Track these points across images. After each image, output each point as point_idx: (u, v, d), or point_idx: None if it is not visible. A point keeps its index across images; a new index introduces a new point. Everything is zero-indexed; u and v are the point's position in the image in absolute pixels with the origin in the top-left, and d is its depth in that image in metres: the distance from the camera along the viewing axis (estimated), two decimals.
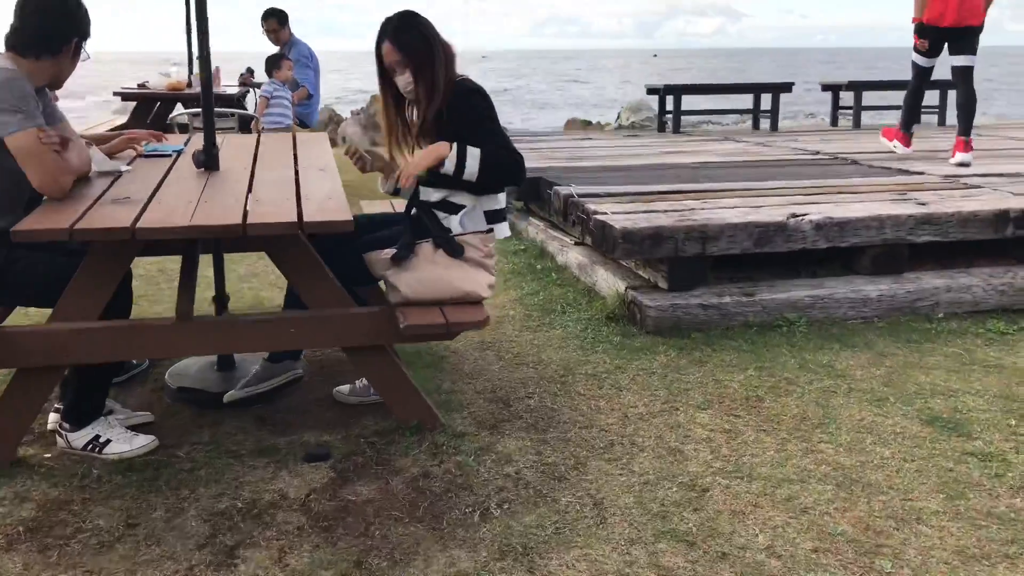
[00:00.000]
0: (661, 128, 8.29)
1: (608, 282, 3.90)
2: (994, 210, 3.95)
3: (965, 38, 5.50)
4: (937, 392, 3.01)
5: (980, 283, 3.82)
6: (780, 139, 7.23)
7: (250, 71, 7.63)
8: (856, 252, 3.90)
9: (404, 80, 2.67)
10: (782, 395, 2.98)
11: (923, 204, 4.06)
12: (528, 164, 5.57)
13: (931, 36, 5.53)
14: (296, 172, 2.82)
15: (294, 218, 2.19)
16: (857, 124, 8.39)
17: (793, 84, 8.35)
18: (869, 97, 8.47)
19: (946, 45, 5.57)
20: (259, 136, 3.93)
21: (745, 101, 8.54)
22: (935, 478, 2.44)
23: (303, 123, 6.68)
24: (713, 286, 3.72)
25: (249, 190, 2.53)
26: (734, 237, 3.68)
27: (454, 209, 2.63)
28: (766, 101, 8.24)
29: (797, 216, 3.80)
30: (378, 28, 2.72)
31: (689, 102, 8.33)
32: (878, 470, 2.48)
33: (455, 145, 2.51)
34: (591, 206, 4.02)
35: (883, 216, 3.83)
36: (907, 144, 5.99)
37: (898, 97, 8.59)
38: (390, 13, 2.73)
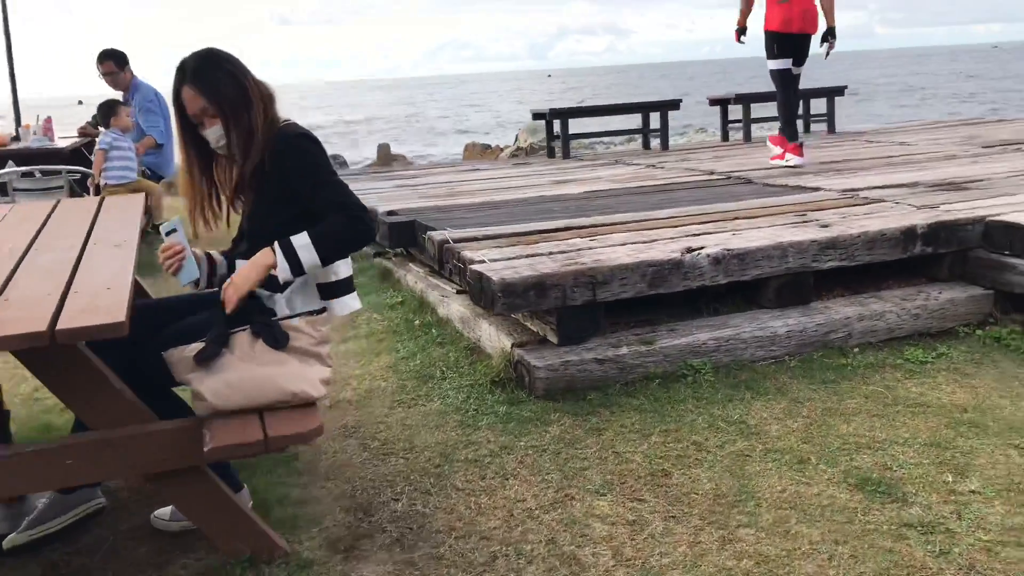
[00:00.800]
0: (551, 154, 7.96)
1: (493, 339, 3.47)
2: (900, 227, 3.70)
3: (803, 48, 5.88)
4: (862, 445, 2.68)
5: (893, 308, 3.55)
6: (672, 159, 6.99)
7: (95, 120, 6.95)
8: (759, 284, 3.58)
9: (214, 133, 2.19)
10: (691, 465, 2.59)
11: (826, 226, 3.78)
12: (404, 204, 5.14)
13: (781, 41, 5.83)
14: (82, 251, 2.28)
15: (43, 326, 1.66)
16: (748, 138, 8.26)
17: (681, 101, 8.16)
18: (758, 109, 8.36)
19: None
20: (101, 198, 3.34)
21: (635, 120, 8.30)
22: (874, 564, 2.07)
23: (156, 174, 6.05)
24: (609, 335, 3.33)
25: (7, 282, 1.98)
26: (626, 279, 3.30)
27: (278, 286, 2.14)
28: (656, 119, 8.01)
29: (693, 250, 3.45)
30: (175, 72, 2.23)
31: (580, 124, 8.05)
32: (808, 559, 2.11)
33: (277, 247, 2.05)
34: (468, 253, 3.58)
35: (785, 244, 3.52)
36: (799, 153, 5.98)
37: (770, 108, 8.44)
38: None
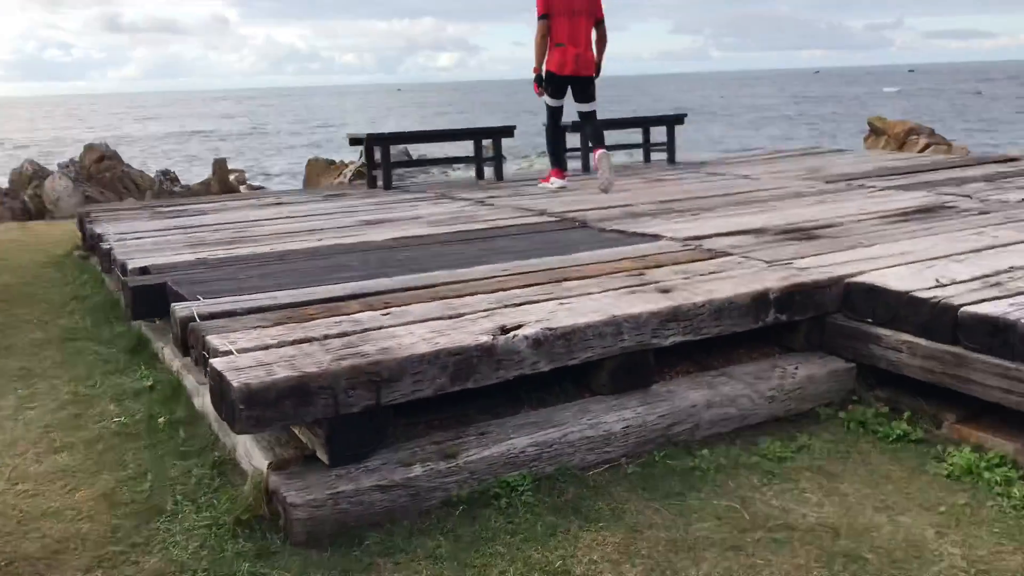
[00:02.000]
0: (371, 184, 7.16)
1: (247, 452, 2.64)
2: (751, 294, 3.16)
3: (587, 88, 6.53)
4: None
5: (746, 391, 2.99)
6: (504, 193, 6.37)
7: None
8: (590, 367, 2.94)
9: None
10: None
11: (667, 291, 3.19)
12: (166, 257, 4.19)
13: (556, 82, 6.50)
14: None
15: None
16: (586, 167, 7.77)
17: (515, 127, 7.57)
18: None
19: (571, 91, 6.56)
20: None
21: (467, 147, 7.65)
22: None
23: None
24: (400, 446, 2.58)
25: None
26: (422, 374, 2.56)
27: None
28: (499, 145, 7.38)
29: (508, 330, 2.76)
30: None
31: (415, 149, 7.31)
32: None
33: None
34: (214, 339, 2.73)
35: (620, 318, 2.89)
36: (560, 176, 6.65)
37: (614, 136, 8.03)
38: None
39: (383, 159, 6.84)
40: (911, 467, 2.74)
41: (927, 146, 27.53)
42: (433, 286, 3.38)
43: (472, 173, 7.67)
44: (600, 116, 6.72)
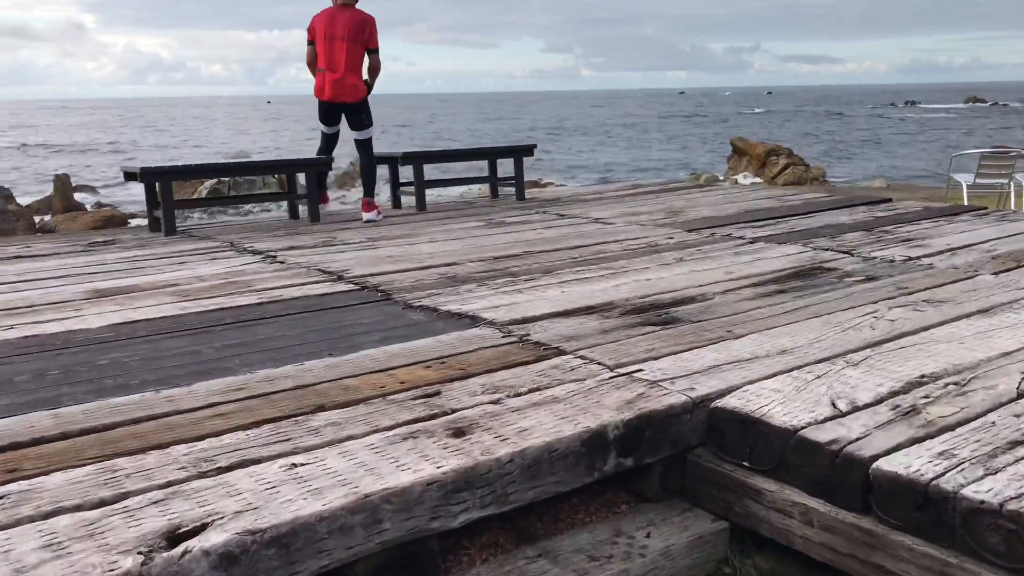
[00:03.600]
0: (153, 227, 5.90)
1: None
2: (582, 433, 2.20)
3: (352, 114, 6.43)
4: None
5: None
6: (312, 240, 5.25)
7: None
8: (344, 570, 1.90)
9: None
10: None
11: (461, 434, 2.20)
12: None
13: (320, 108, 6.48)
14: None
15: None
16: (422, 205, 6.76)
17: (332, 160, 6.48)
18: (432, 170, 6.92)
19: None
20: None
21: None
22: None
23: None
24: None
25: None
26: None
27: None
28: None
29: (179, 538, 1.68)
30: None
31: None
32: None
33: None
34: None
35: (376, 500, 1.87)
36: (366, 209, 6.32)
37: (465, 167, 7.08)
38: None
39: (163, 198, 5.60)
40: None
41: (786, 167, 28.05)
42: (110, 428, 2.25)
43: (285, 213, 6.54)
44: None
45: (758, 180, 24.99)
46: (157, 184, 5.61)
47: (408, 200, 6.98)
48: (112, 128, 63.02)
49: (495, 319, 3.29)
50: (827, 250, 4.67)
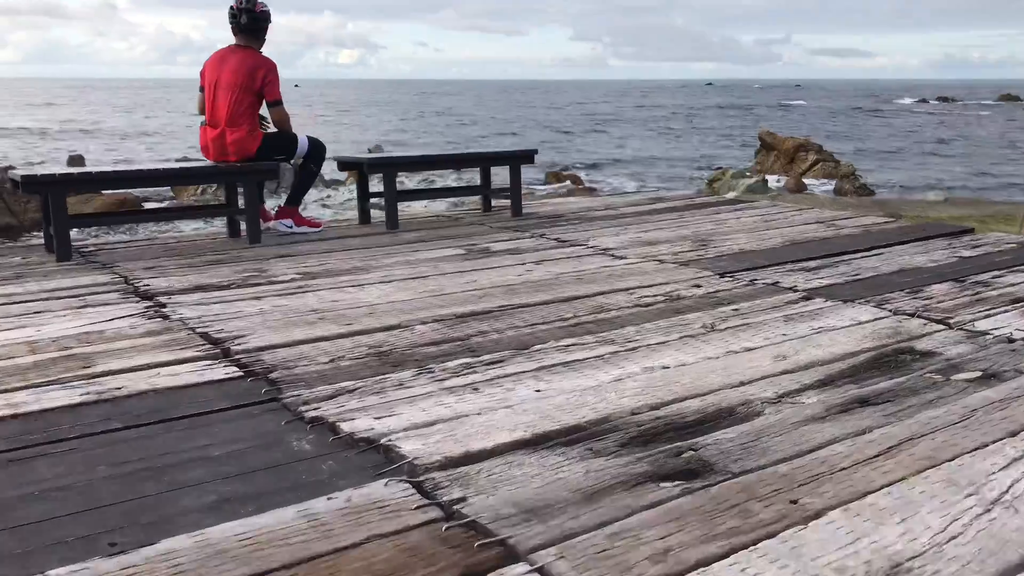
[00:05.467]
0: (48, 248, 4.73)
1: None
2: None
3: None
4: None
5: None
6: (223, 282, 4.05)
7: None
8: None
9: None
10: None
11: None
12: None
13: None
14: None
15: None
16: (392, 223, 5.55)
17: (275, 167, 5.29)
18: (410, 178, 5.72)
19: None
20: None
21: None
22: None
23: None
24: None
25: None
26: None
27: None
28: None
29: None
30: None
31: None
32: None
33: None
34: None
35: None
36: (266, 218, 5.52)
37: (446, 177, 5.89)
38: None
39: (53, 214, 4.42)
40: None
41: (815, 163, 26.57)
42: None
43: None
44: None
45: (785, 177, 23.60)
46: (49, 196, 4.44)
47: (380, 215, 5.78)
48: (139, 107, 62.20)
49: (419, 457, 2.08)
50: (912, 316, 3.41)
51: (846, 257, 4.61)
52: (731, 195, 10.39)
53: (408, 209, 6.64)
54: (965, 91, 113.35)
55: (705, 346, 3.02)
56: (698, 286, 3.94)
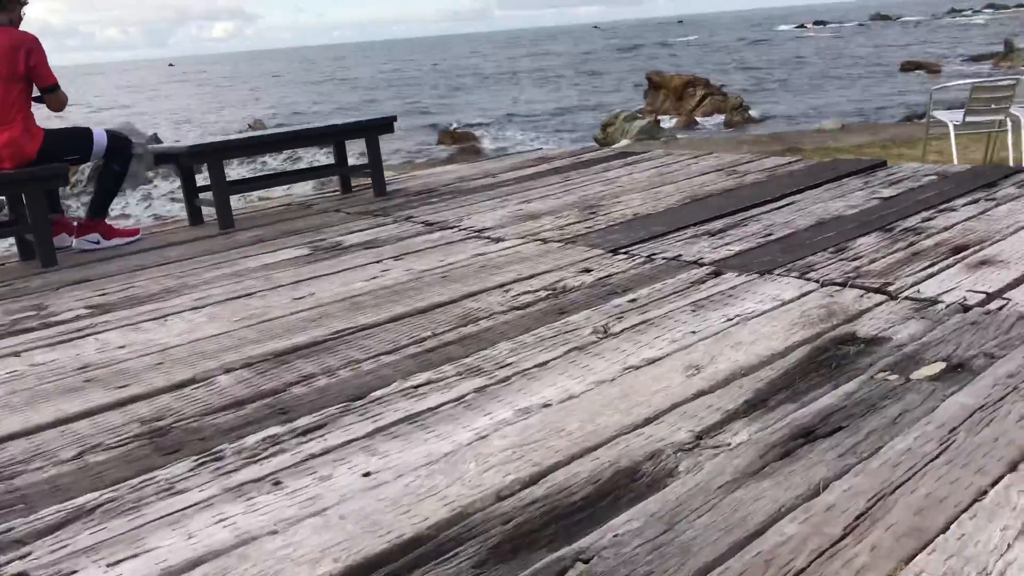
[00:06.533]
0: None
1: None
2: None
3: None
4: None
5: None
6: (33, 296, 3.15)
7: None
8: None
9: None
10: None
11: None
12: None
13: None
14: None
15: None
16: (226, 221, 4.67)
17: (64, 170, 4.33)
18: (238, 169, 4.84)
19: None
20: None
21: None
22: None
23: None
24: None
25: None
26: None
27: None
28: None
29: None
30: None
31: None
32: None
33: None
34: None
35: None
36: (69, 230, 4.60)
37: (309, 153, 5.06)
38: None
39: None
40: None
41: (703, 98, 26.35)
42: None
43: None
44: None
45: (676, 117, 23.31)
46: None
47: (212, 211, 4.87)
48: None
49: None
50: (843, 286, 2.80)
51: (754, 212, 3.99)
52: (623, 143, 9.77)
53: (252, 202, 5.76)
54: (840, 14, 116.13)
55: (597, 363, 2.33)
56: (587, 271, 3.24)
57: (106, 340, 2.87)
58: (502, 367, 2.35)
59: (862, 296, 2.69)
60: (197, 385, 2.39)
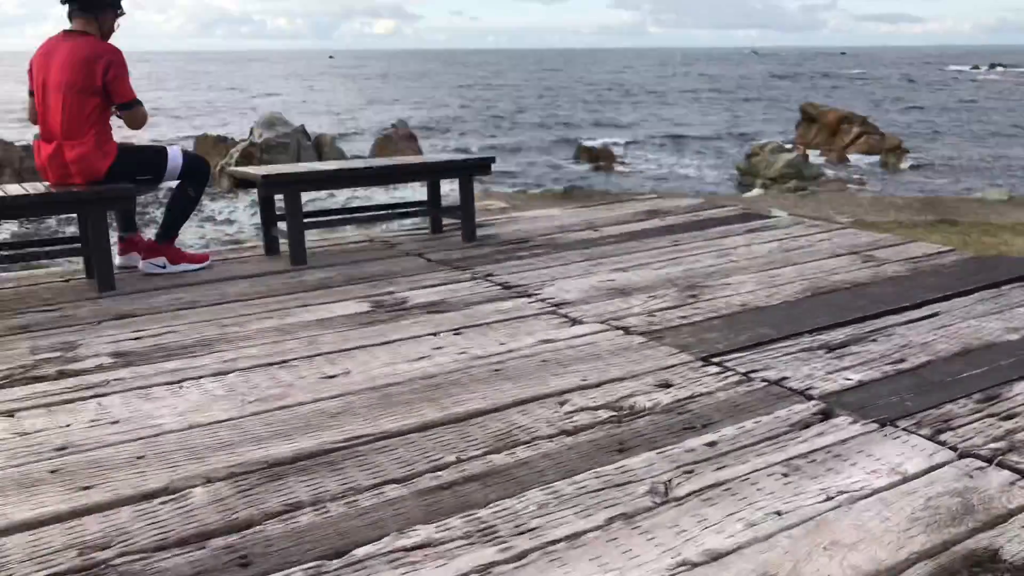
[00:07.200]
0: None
1: None
2: None
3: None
4: None
5: None
6: None
7: None
8: None
9: None
10: None
11: None
12: None
13: None
14: None
15: None
16: (299, 257, 4.37)
17: (133, 190, 4.12)
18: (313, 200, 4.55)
19: None
20: None
21: None
22: None
23: None
24: None
25: None
26: None
27: None
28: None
29: None
30: None
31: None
32: None
33: None
34: None
35: None
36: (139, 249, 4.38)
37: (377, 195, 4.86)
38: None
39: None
40: None
41: (859, 136, 24.88)
42: None
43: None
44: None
45: (827, 153, 22.06)
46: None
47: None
48: (185, 82, 61.75)
49: None
50: (990, 462, 2.16)
51: (887, 321, 3.33)
52: (755, 193, 9.05)
53: (334, 234, 5.47)
54: (1022, 57, 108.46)
55: (645, 548, 1.81)
56: (667, 385, 2.71)
57: (106, 408, 2.56)
58: (522, 532, 1.87)
59: (1012, 484, 2.06)
60: (167, 499, 2.03)
